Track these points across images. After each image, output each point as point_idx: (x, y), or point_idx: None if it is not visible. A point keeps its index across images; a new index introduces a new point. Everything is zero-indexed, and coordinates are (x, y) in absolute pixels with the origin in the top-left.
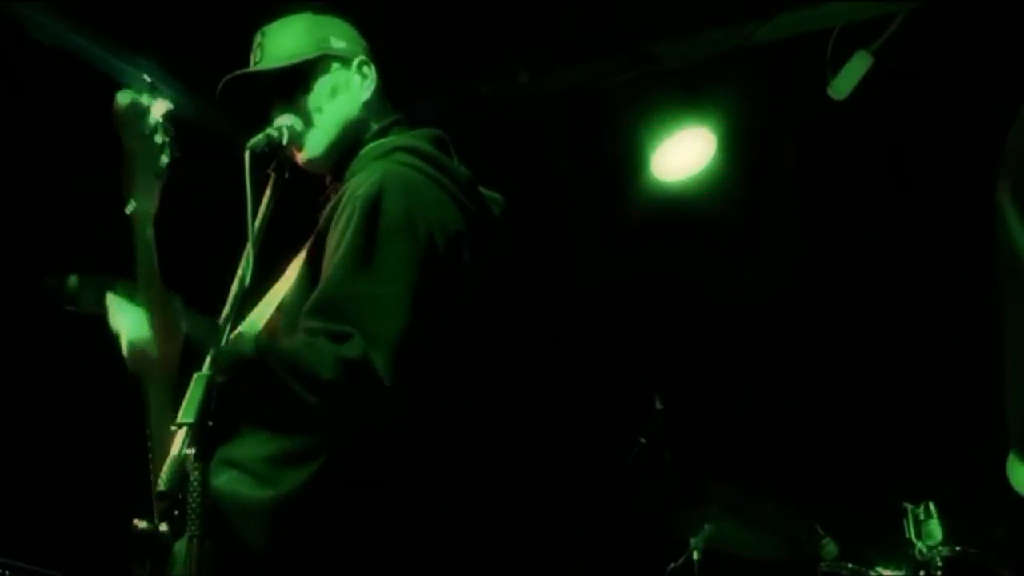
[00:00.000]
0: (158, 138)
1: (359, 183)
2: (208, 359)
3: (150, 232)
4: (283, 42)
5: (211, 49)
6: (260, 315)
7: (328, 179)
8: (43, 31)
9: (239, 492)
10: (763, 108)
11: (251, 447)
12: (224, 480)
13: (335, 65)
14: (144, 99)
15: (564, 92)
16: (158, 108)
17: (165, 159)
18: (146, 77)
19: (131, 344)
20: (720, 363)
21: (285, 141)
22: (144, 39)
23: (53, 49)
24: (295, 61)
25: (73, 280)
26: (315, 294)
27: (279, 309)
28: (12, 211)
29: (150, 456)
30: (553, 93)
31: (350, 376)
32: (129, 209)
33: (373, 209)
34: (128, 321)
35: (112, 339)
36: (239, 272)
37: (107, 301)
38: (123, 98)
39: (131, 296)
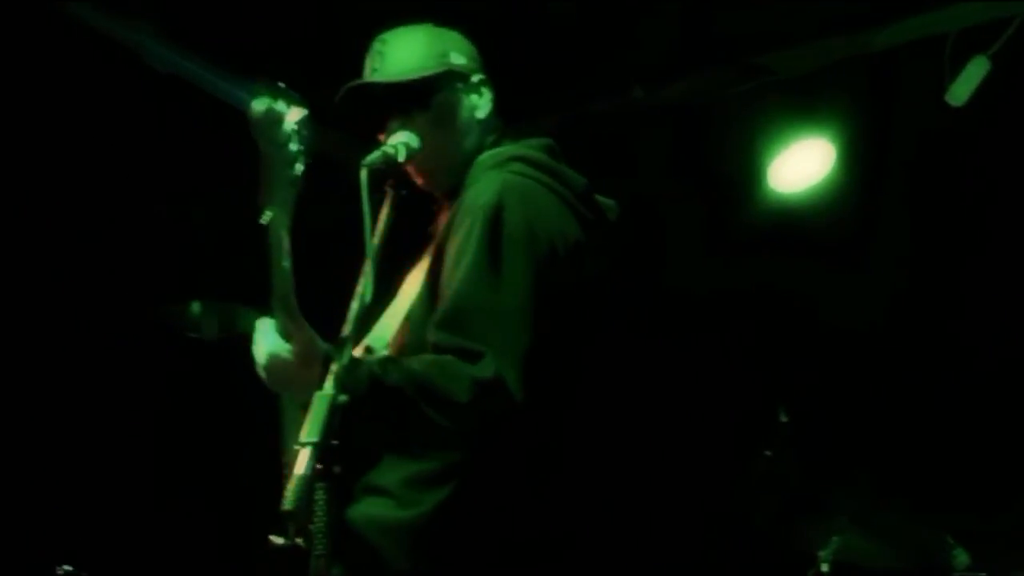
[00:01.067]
0: (293, 146)
1: (477, 193)
2: (330, 378)
3: (286, 241)
4: (404, 54)
5: (319, 72)
6: (385, 329)
7: (443, 192)
8: (156, 57)
9: (379, 514)
10: (881, 116)
11: (389, 471)
12: (364, 505)
13: (456, 82)
14: (279, 105)
15: (678, 105)
16: (293, 115)
17: (300, 167)
18: (280, 83)
19: (271, 357)
20: (842, 373)
21: (402, 158)
22: (254, 63)
23: (166, 75)
24: (417, 76)
25: (196, 307)
26: (441, 307)
27: (407, 320)
28: (131, 238)
29: (285, 474)
30: (667, 107)
31: (486, 397)
32: (265, 218)
33: (494, 221)
34: (267, 336)
35: (249, 360)
36: (358, 290)
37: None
38: (259, 105)
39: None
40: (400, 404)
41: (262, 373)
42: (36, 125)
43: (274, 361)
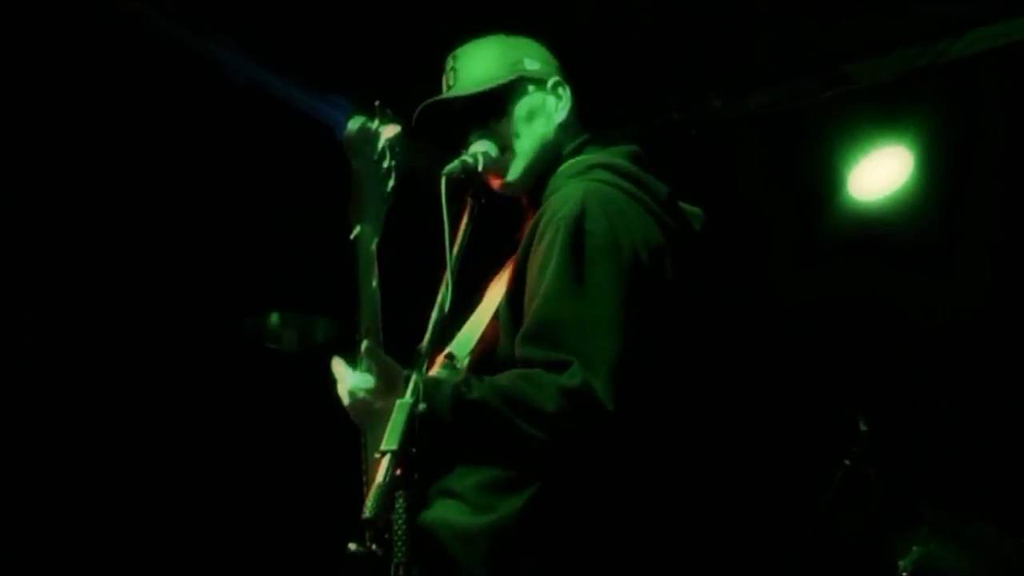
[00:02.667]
0: (385, 163)
1: (560, 202)
2: (410, 387)
3: (374, 257)
4: (476, 66)
5: (402, 82)
6: (468, 337)
7: (524, 200)
8: (237, 72)
9: (455, 520)
10: (960, 125)
11: (464, 475)
12: (439, 509)
13: (530, 87)
14: (374, 124)
15: (758, 114)
16: (386, 132)
17: (391, 183)
18: (376, 102)
19: (352, 392)
20: (923, 382)
21: (481, 168)
22: (336, 76)
23: (247, 89)
24: (490, 86)
25: (275, 318)
26: (527, 321)
27: (489, 328)
28: (212, 251)
29: (365, 482)
30: (747, 115)
31: (574, 406)
32: (355, 234)
33: (577, 230)
34: (346, 375)
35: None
36: (438, 300)
37: (334, 366)
38: (353, 123)
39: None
40: (486, 417)
41: (349, 412)
42: (117, 137)
43: (354, 400)
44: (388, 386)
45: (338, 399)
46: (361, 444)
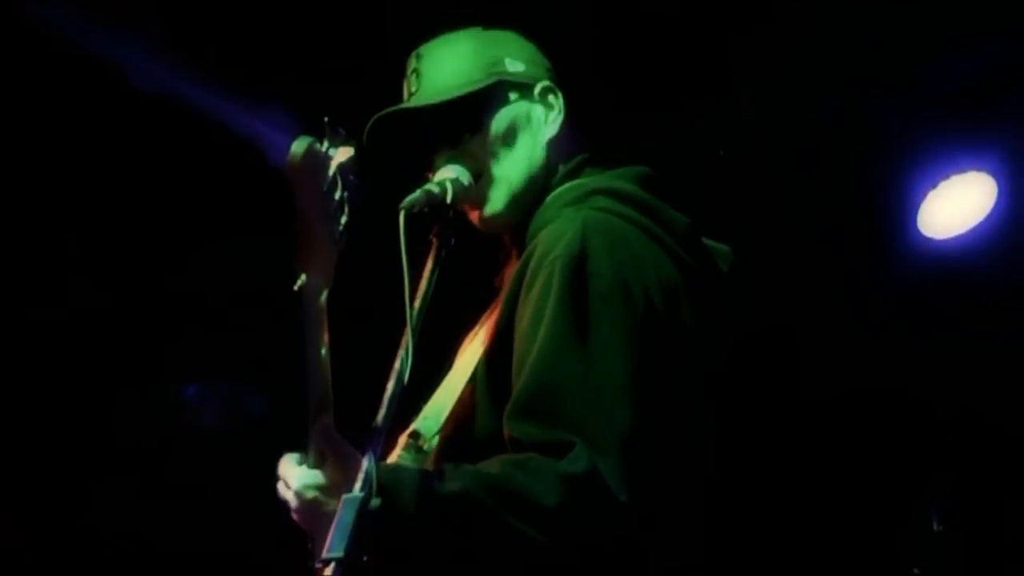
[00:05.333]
0: (336, 194)
1: (553, 238)
2: (361, 477)
3: (324, 312)
4: (446, 67)
5: (346, 91)
6: (438, 409)
7: (506, 237)
8: (144, 75)
9: None
10: None
11: None
12: None
13: (512, 95)
14: (323, 146)
15: (800, 127)
16: (338, 156)
17: (343, 219)
18: (325, 119)
19: (301, 492)
20: (1011, 468)
21: (449, 199)
22: (270, 84)
23: (154, 96)
24: (461, 93)
25: (192, 390)
26: (517, 390)
27: (466, 397)
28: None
29: None
30: (787, 128)
31: (579, 499)
32: (299, 284)
33: (577, 272)
34: (292, 471)
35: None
36: (396, 366)
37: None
38: (299, 146)
39: None
40: (467, 515)
41: (296, 517)
42: None
43: (303, 501)
44: (346, 479)
45: (283, 503)
46: (308, 552)
